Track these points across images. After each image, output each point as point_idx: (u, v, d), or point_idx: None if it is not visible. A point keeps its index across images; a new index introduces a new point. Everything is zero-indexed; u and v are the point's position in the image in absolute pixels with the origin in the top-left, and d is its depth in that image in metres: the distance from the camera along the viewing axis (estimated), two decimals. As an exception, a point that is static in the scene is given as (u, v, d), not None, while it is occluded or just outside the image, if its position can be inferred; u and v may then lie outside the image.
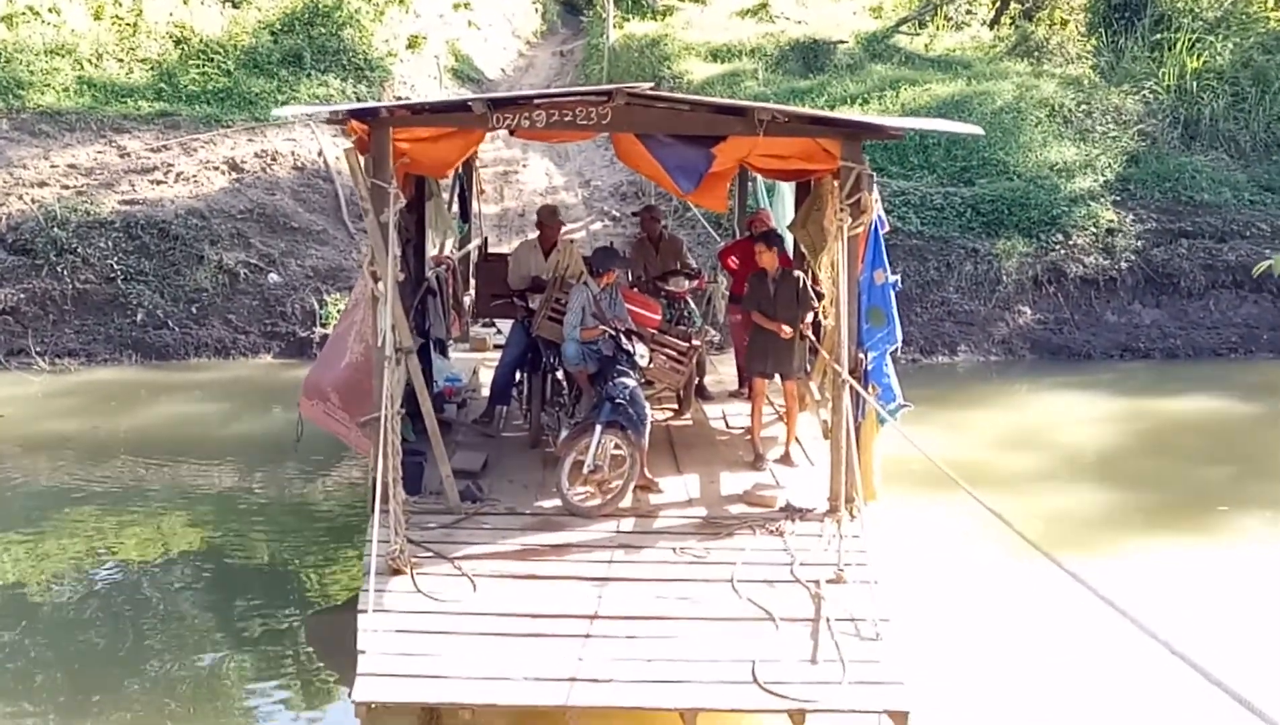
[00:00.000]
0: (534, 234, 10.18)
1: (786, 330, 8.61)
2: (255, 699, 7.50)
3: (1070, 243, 17.59)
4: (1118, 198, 18.28)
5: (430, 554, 7.10)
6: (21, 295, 15.61)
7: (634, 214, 11.89)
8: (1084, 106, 19.97)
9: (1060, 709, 7.47)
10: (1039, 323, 17.16)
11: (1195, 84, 20.06)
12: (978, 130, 8.14)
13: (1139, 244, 17.70)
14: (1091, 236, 17.69)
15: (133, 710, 7.27)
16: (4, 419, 13.17)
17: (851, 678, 6.05)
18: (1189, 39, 20.76)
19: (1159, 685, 7.60)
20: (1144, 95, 20.15)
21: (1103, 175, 18.53)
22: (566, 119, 7.72)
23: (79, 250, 16.01)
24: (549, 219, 9.94)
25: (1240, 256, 17.45)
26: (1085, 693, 7.83)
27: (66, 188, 16.87)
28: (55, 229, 16.09)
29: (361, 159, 7.63)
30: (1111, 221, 17.85)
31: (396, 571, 6.81)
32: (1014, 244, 17.41)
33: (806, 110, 8.44)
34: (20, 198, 16.56)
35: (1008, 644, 8.38)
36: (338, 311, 15.55)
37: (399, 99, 16.74)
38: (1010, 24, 25.86)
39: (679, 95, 7.66)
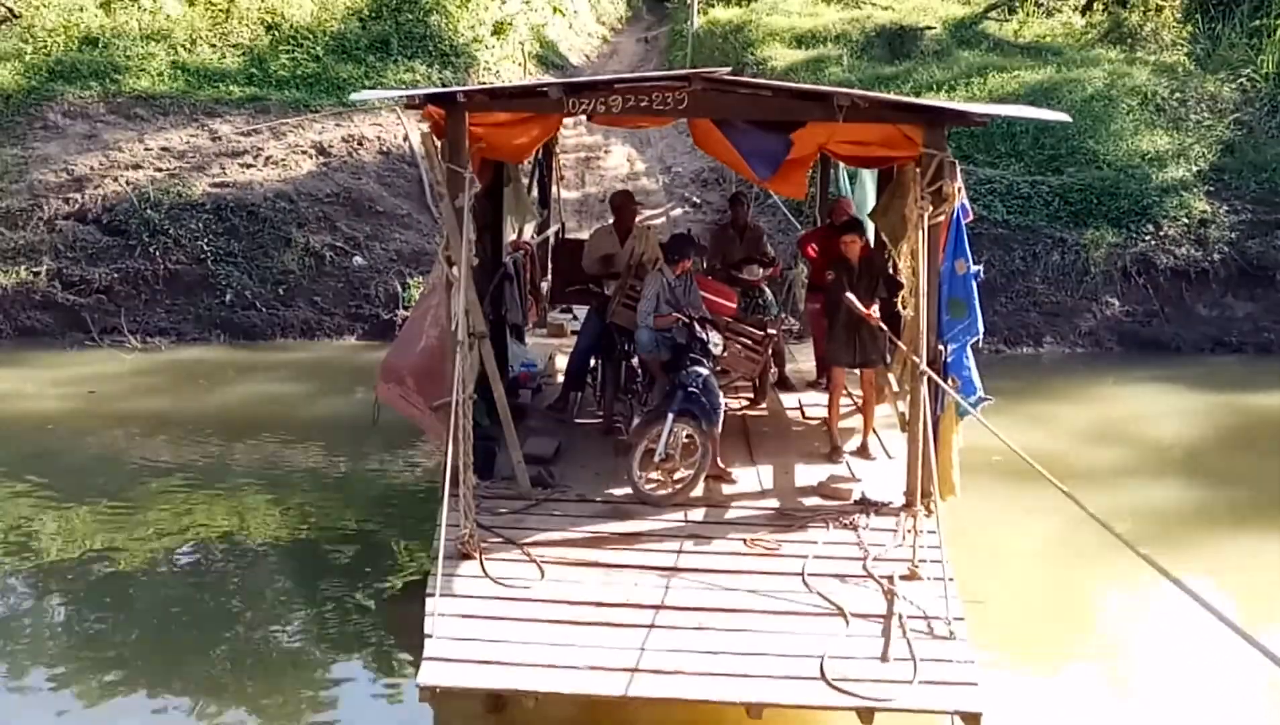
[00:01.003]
0: (611, 219, 10.07)
1: (875, 313, 8.38)
2: (328, 677, 7.50)
3: (1161, 233, 17.05)
4: (1211, 188, 17.68)
5: (500, 539, 7.05)
6: (115, 275, 15.89)
7: (729, 201, 11.76)
8: (1178, 95, 19.35)
9: (1138, 713, 7.21)
10: (1127, 315, 16.66)
11: (1294, 72, 19.36)
12: (1065, 117, 7.86)
13: (1233, 235, 17.10)
14: (1183, 227, 17.14)
15: (209, 680, 7.34)
16: (95, 395, 13.43)
17: (923, 677, 5.88)
18: (1290, 25, 20.03)
19: (1243, 689, 7.32)
20: (1241, 83, 19.48)
21: (1196, 165, 17.95)
22: (643, 104, 7.58)
23: (170, 232, 16.27)
24: (624, 204, 9.83)
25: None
26: (1165, 696, 7.57)
27: (159, 171, 17.15)
28: (148, 211, 16.38)
29: (438, 143, 7.59)
30: (1204, 212, 17.27)
31: (466, 556, 6.77)
32: (1102, 234, 16.92)
33: (888, 96, 8.21)
34: (115, 180, 16.87)
35: (1086, 644, 8.14)
36: (419, 293, 15.60)
37: (483, 85, 16.72)
38: (1103, 10, 25.16)
39: (756, 80, 7.48)
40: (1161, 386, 14.68)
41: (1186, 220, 17.19)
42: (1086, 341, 16.47)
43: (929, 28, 23.13)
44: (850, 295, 8.58)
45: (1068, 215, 17.19)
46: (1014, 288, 16.58)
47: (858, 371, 8.98)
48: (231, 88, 19.25)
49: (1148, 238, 17.01)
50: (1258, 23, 20.52)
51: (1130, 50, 21.77)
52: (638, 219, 10.34)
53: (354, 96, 8.69)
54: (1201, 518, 10.43)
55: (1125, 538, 4.49)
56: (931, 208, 7.46)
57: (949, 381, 7.55)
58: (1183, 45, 21.64)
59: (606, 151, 20.03)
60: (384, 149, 18.38)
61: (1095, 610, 8.85)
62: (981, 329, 7.75)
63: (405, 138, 18.56)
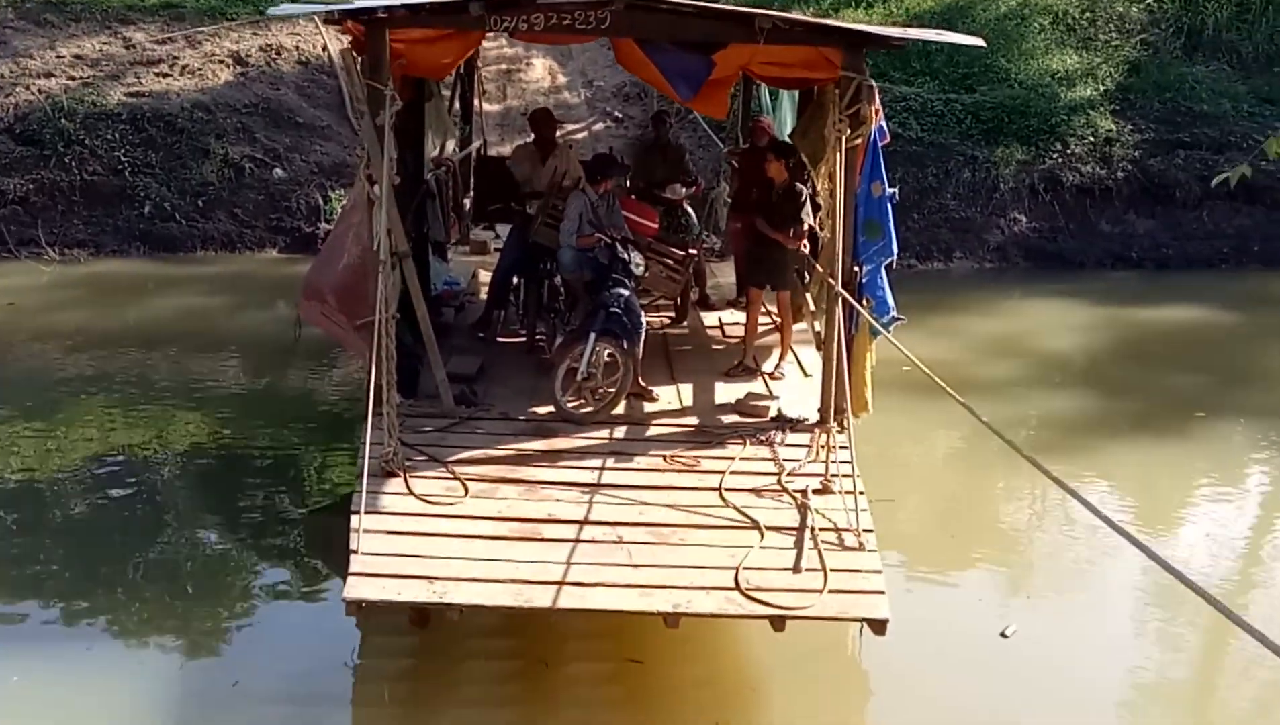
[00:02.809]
0: (531, 137, 9.92)
1: (789, 241, 8.40)
2: (252, 591, 7.49)
3: (1068, 151, 17.26)
4: (1117, 107, 17.89)
5: (424, 457, 7.01)
6: (30, 186, 15.34)
7: (651, 120, 11.62)
8: (1088, 14, 19.45)
9: (1036, 616, 7.47)
10: (1034, 231, 16.90)
11: (1200, -7, 19.53)
12: (979, 42, 7.86)
13: (1136, 154, 17.37)
14: (1089, 145, 17.36)
15: (129, 594, 7.30)
16: (14, 308, 13.07)
17: (833, 586, 5.98)
18: (1196, -54, 20.14)
19: (1134, 586, 7.61)
20: (1148, 3, 19.60)
21: (1103, 84, 18.13)
22: (565, 23, 7.43)
23: (86, 142, 15.71)
24: (544, 121, 9.68)
25: (1269, 161, 17.05)
26: (1062, 599, 7.85)
27: (73, 79, 16.50)
28: (62, 120, 15.78)
29: (358, 59, 7.39)
30: (1110, 131, 17.49)
31: (390, 474, 6.73)
32: (1012, 152, 17.09)
33: (808, 18, 8.15)
34: (27, 88, 16.21)
35: (987, 548, 8.39)
36: (341, 207, 15.32)
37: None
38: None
39: (679, 0, 7.35)
40: (1064, 301, 14.98)
41: (1093, 138, 17.40)
42: (995, 257, 16.70)
43: (848, -57, 22.89)
44: (760, 220, 8.59)
45: (979, 133, 17.30)
46: (926, 204, 16.69)
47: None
48: (145, -7, 18.51)
49: (1055, 156, 17.20)
50: (1166, -56, 20.61)
51: (1043, -32, 21.74)
52: (559, 134, 10.19)
53: (272, 11, 8.37)
54: (1099, 426, 10.75)
55: (1016, 444, 4.58)
56: (849, 130, 7.45)
57: (864, 301, 7.61)
58: (1094, -35, 21.66)
59: (528, 65, 19.65)
60: (303, 59, 17.86)
61: (996, 516, 9.11)
62: (896, 250, 7.81)
63: (324, 48, 18.04)
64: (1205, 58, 19.08)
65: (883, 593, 6.00)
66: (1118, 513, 9.06)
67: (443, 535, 6.27)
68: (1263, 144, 6.25)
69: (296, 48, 17.92)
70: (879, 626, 5.87)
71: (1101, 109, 17.74)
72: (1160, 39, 19.18)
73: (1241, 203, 17.15)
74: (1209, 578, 8.02)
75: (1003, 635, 7.01)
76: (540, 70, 19.71)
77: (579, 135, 17.77)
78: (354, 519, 6.21)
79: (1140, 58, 18.75)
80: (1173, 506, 9.39)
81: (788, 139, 10.13)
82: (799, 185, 8.52)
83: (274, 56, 17.68)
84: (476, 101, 13.16)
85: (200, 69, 17.08)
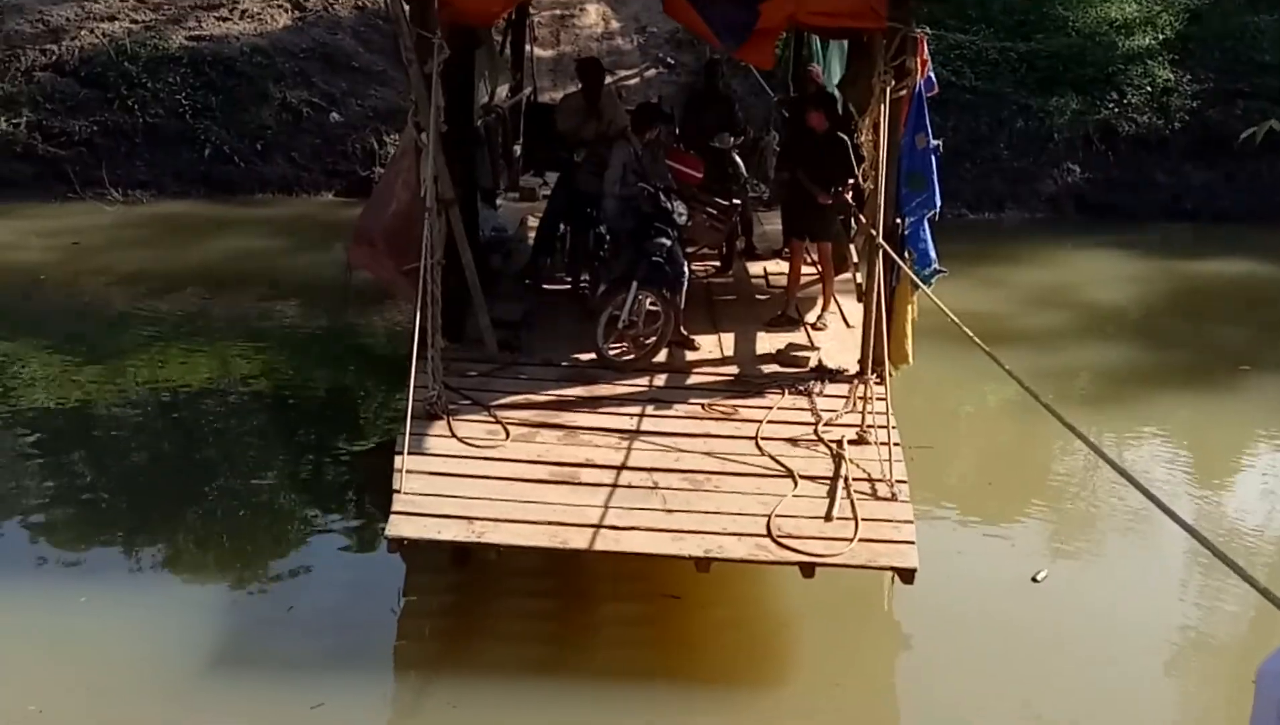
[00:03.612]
0: (579, 85, 9.89)
1: (824, 198, 8.37)
2: (301, 527, 7.66)
3: (1124, 101, 16.88)
4: (1176, 56, 17.43)
5: (467, 401, 7.12)
6: (94, 128, 15.56)
7: (704, 67, 11.48)
8: (1150, -41, 18.92)
9: (1070, 564, 7.48)
10: (1087, 181, 16.58)
11: (1266, -61, 18.90)
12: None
13: (1194, 104, 16.95)
14: (1146, 95, 16.96)
15: (183, 528, 7.51)
16: (79, 247, 13.33)
17: (863, 535, 6.02)
18: (1265, -109, 19.49)
19: (1172, 539, 7.54)
20: (1213, -51, 19.03)
21: (1162, 33, 17.66)
22: (612, -29, 7.40)
23: (148, 85, 15.87)
24: (591, 72, 9.65)
25: (1298, 118, 16.66)
26: (1097, 548, 7.83)
27: (135, 22, 16.66)
28: (125, 63, 15.96)
29: (406, 6, 7.41)
30: (1168, 80, 17.08)
31: (433, 416, 6.84)
32: (1067, 101, 16.73)
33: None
34: (91, 31, 16.40)
35: (1027, 500, 8.36)
36: (392, 156, 15.40)
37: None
38: None
39: (725, -50, 7.30)
40: (1117, 252, 14.74)
41: (1150, 88, 17.01)
42: (1046, 207, 16.43)
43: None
44: (802, 172, 8.54)
45: (1034, 82, 16.96)
46: (979, 154, 16.42)
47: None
48: (206, -64, 18.56)
49: (1111, 105, 16.84)
50: (1234, -112, 19.96)
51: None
52: (610, 80, 10.15)
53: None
54: (1149, 378, 10.66)
55: (1038, 394, 4.58)
56: (894, 82, 7.38)
57: (906, 253, 7.57)
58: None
59: (581, 10, 19.50)
60: (360, 4, 17.85)
61: (1037, 466, 9.08)
62: (939, 202, 7.73)
63: (381, -9, 18.03)
64: (1269, 6, 18.47)
65: (913, 543, 6.03)
66: (1168, 466, 9.03)
67: (483, 477, 6.38)
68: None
69: (354, -10, 17.93)
70: (907, 575, 5.91)
71: (1160, 58, 17.31)
72: (1224, -14, 18.63)
73: (1302, 155, 16.70)
74: (1260, 533, 7.99)
75: (1034, 580, 7.02)
76: (594, 16, 19.56)
77: (631, 81, 17.66)
78: (397, 460, 6.32)
79: (1201, 6, 18.23)
80: (1222, 463, 9.31)
81: (836, 88, 10.03)
82: (842, 135, 8.45)
83: (331, 2, 17.70)
84: (528, 47, 13.12)
85: (259, 13, 17.16)
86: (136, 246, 13.64)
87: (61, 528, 7.45)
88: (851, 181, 8.42)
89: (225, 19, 16.98)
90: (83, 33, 16.39)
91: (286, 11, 17.35)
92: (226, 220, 14.70)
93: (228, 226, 14.50)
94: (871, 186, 7.71)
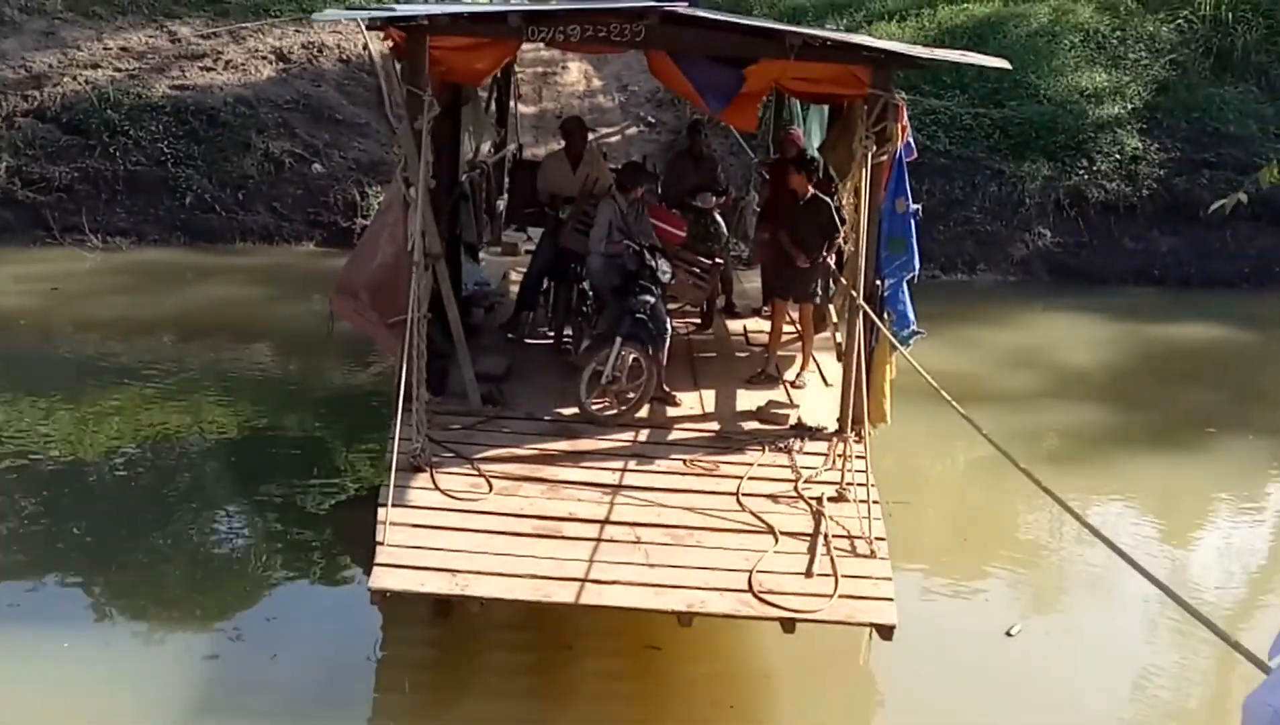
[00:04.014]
0: (562, 144, 10.04)
1: (803, 261, 8.52)
2: (275, 578, 7.64)
3: (1094, 168, 17.24)
4: (1144, 125, 17.84)
5: (450, 453, 7.15)
6: (75, 174, 15.61)
7: (687, 129, 11.66)
8: (1118, 33, 19.37)
9: (1044, 619, 7.57)
10: (1058, 246, 16.89)
11: (1230, 14, 19.41)
12: (1004, 65, 7.91)
13: (1161, 172, 17.32)
14: (1115, 163, 17.33)
15: (152, 577, 7.45)
16: (57, 292, 13.31)
17: (843, 591, 6.06)
18: (1228, -32, 20.07)
19: (1144, 596, 7.63)
20: (1179, 23, 19.51)
21: (1131, 102, 18.08)
22: (600, 34, 7.55)
23: (130, 132, 15.95)
24: (575, 130, 9.80)
25: (1262, 189, 16.99)
26: (1070, 603, 7.93)
27: (119, 71, 16.76)
28: (108, 111, 16.04)
29: (398, 65, 7.54)
30: (1136, 149, 17.46)
31: (417, 469, 6.86)
32: (1038, 167, 17.08)
33: (839, 35, 8.24)
34: (74, 78, 16.48)
35: (998, 557, 8.46)
36: (378, 203, 15.50)
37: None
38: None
39: (712, 16, 7.46)
40: (1086, 315, 14.99)
41: (1119, 156, 17.38)
42: (1018, 270, 16.71)
43: (883, -45, 22.89)
44: (784, 234, 8.69)
45: (1007, 147, 17.31)
46: (952, 216, 16.71)
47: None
48: (191, -11, 18.75)
49: (1081, 172, 17.19)
50: (1198, -36, 20.54)
51: (1076, -15, 21.70)
52: (591, 137, 10.28)
53: (318, 16, 8.56)
54: (1117, 440, 10.82)
55: (1012, 456, 4.71)
56: (875, 147, 7.54)
57: (885, 315, 7.70)
58: (1126, -17, 21.60)
59: (564, 68, 19.79)
60: (344, 57, 18.06)
61: (1011, 523, 9.19)
62: (918, 266, 7.88)
63: (365, 47, 18.14)
64: (1234, 79, 18.98)
65: (891, 599, 6.08)
66: (1134, 525, 9.16)
67: (466, 530, 6.39)
68: (1257, 174, 6.33)
69: (338, 46, 18.12)
70: (886, 632, 5.95)
71: (1128, 127, 17.71)
72: (1189, 59, 19.09)
73: (1265, 223, 17.09)
74: (1224, 590, 8.12)
75: (1008, 634, 7.11)
76: (575, 74, 19.86)
77: (613, 139, 17.90)
78: (381, 512, 6.33)
79: (1169, 77, 18.69)
80: (1188, 522, 9.46)
81: (816, 151, 10.21)
82: (824, 198, 8.61)
83: (315, 54, 17.89)
84: (512, 104, 13.29)
85: (243, 64, 17.31)
86: (115, 293, 13.64)
87: (20, 576, 7.35)
88: (832, 244, 8.56)
89: (209, 69, 17.11)
90: (65, 79, 16.47)
91: (270, 63, 17.51)
92: (207, 268, 14.73)
93: (208, 275, 14.53)
94: (852, 249, 7.84)
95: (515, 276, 10.82)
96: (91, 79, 16.49)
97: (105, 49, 17.11)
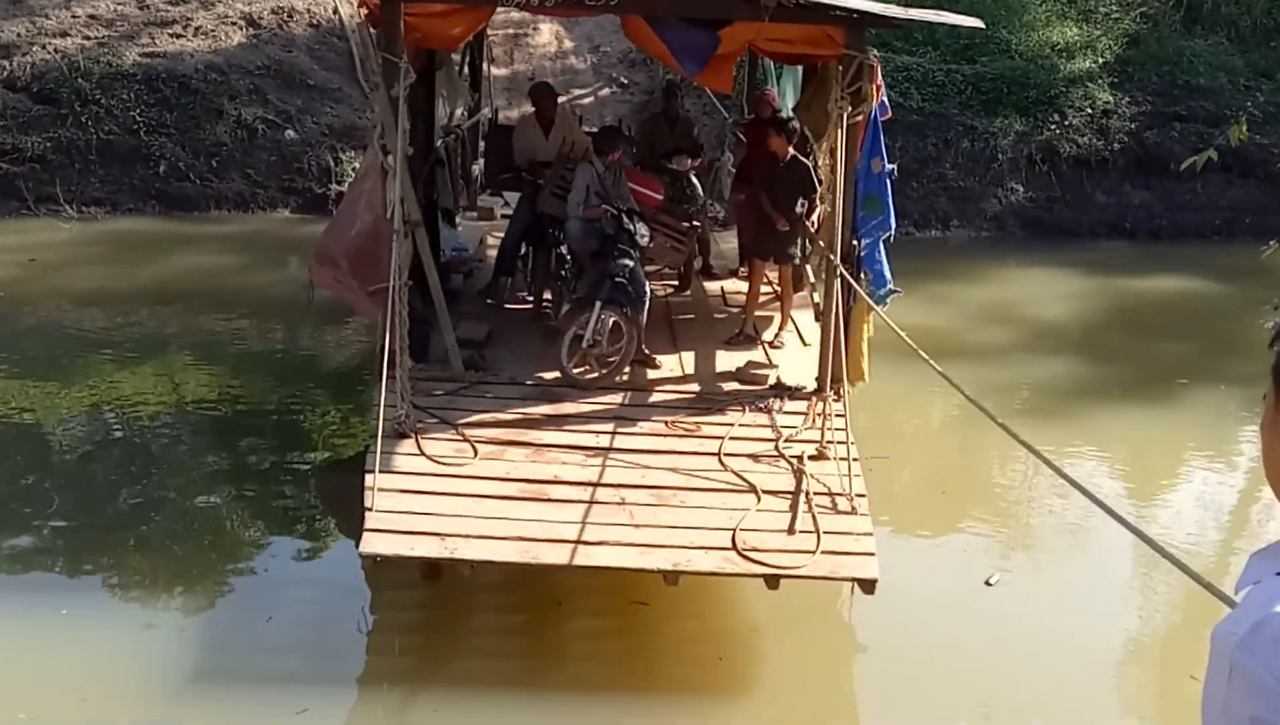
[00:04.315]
0: (532, 110, 10.03)
1: (783, 223, 8.57)
2: (262, 545, 7.69)
3: (1065, 123, 17.31)
4: (1115, 79, 17.91)
5: (435, 419, 7.21)
6: (48, 144, 15.43)
7: (662, 91, 11.64)
8: (1089, -15, 19.42)
9: (1022, 569, 7.72)
10: (1030, 201, 17.00)
11: (1201, -35, 19.50)
12: (978, 23, 7.97)
13: (1132, 126, 17.42)
14: (1087, 117, 17.41)
15: (135, 547, 7.48)
16: (34, 263, 13.24)
17: (825, 547, 6.18)
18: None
19: (1121, 544, 7.79)
20: (1149, -25, 19.58)
21: (1102, 56, 18.15)
22: (575, -1, 7.57)
23: (102, 101, 15.76)
24: (544, 96, 9.80)
25: (1232, 145, 17.12)
26: (1048, 553, 8.08)
27: (88, 39, 16.55)
28: (79, 79, 15.83)
29: (373, 32, 7.52)
30: (1107, 103, 17.54)
31: (402, 435, 6.92)
32: (1010, 122, 17.15)
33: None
34: (43, 47, 16.26)
35: (979, 509, 8.60)
36: (352, 169, 15.43)
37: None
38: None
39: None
40: (1059, 270, 15.11)
41: (1090, 110, 17.45)
42: (991, 226, 16.81)
43: (854, -89, 22.76)
44: (764, 197, 8.74)
45: (979, 104, 17.35)
46: (926, 173, 16.76)
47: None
48: (159, -46, 18.49)
49: (1053, 127, 17.25)
50: (1169, -84, 20.55)
51: (1047, -61, 21.67)
52: (563, 99, 10.27)
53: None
54: (1090, 392, 10.97)
55: (988, 410, 4.83)
56: (850, 108, 7.58)
57: (862, 274, 7.78)
58: (1097, -64, 21.59)
59: (535, 29, 19.65)
60: (314, 22, 17.88)
61: (988, 476, 9.34)
62: (894, 225, 7.96)
63: (335, 11, 18.05)
64: (1204, 31, 19.07)
65: (873, 554, 6.21)
66: (1108, 477, 9.32)
67: (453, 494, 6.47)
68: (1228, 130, 6.45)
69: (308, 10, 17.94)
70: (868, 586, 6.08)
71: (1100, 81, 17.78)
72: (1159, 12, 19.16)
73: (1235, 176, 17.23)
74: (1198, 537, 8.29)
75: (987, 584, 7.26)
76: (547, 35, 19.73)
77: (585, 100, 17.85)
78: (369, 478, 6.40)
79: (1139, 31, 18.75)
80: (1160, 471, 9.64)
81: (791, 111, 10.24)
82: (802, 160, 8.65)
83: (285, 19, 17.71)
84: (485, 67, 13.23)
85: (213, 30, 17.12)
86: (93, 263, 13.58)
87: (29, 541, 7.43)
88: (811, 204, 8.62)
89: (179, 36, 16.92)
90: (34, 49, 16.25)
91: (241, 29, 17.33)
92: (182, 237, 14.66)
93: (184, 243, 14.46)
94: (828, 209, 7.90)
95: (492, 241, 10.82)
96: (61, 47, 16.28)
97: (74, 17, 16.88)
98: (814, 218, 8.63)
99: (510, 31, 19.28)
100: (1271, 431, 1.67)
